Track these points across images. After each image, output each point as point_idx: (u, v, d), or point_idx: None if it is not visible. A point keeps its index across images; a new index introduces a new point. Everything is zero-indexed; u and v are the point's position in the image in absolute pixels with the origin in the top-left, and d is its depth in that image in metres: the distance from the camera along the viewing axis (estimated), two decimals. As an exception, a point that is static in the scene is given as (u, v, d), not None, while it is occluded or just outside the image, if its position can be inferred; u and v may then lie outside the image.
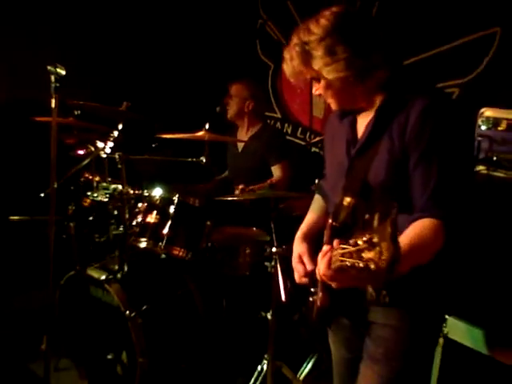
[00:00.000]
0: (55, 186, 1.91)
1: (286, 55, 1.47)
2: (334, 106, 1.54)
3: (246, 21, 4.50)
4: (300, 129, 4.38)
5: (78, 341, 2.67)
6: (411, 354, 1.54)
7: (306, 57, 1.42)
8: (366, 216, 1.10)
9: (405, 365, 1.53)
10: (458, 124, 1.41)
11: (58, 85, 1.90)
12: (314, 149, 4.23)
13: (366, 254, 1.06)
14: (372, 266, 1.04)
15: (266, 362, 2.50)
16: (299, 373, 2.69)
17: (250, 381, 2.55)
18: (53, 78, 1.90)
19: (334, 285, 1.32)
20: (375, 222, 1.07)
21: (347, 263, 1.11)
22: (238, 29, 4.49)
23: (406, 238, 1.32)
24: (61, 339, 2.72)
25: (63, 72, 1.89)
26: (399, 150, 1.39)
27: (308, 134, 4.31)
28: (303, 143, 4.30)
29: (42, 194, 2.43)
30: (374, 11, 3.53)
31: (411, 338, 1.52)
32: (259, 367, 2.53)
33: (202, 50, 4.52)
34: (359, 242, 1.09)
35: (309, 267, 1.59)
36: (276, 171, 3.28)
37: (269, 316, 2.48)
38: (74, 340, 2.71)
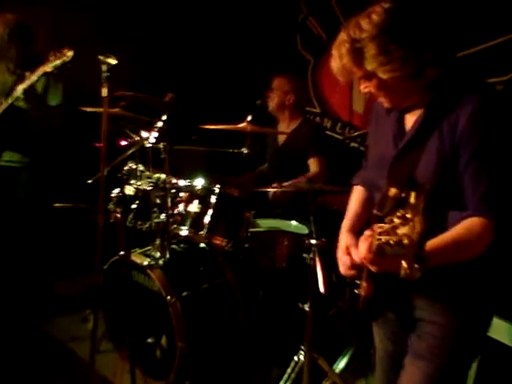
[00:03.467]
0: (105, 173, 1.95)
1: (335, 52, 1.43)
2: (386, 104, 1.52)
3: (288, 15, 4.52)
4: (339, 124, 4.38)
5: (119, 324, 2.75)
6: (456, 352, 1.54)
7: (358, 55, 1.37)
8: (403, 194, 1.15)
9: (448, 362, 1.53)
10: (509, 124, 1.39)
11: (108, 74, 1.95)
12: (352, 144, 4.23)
13: (401, 230, 1.11)
14: (405, 241, 1.09)
15: (302, 352, 2.52)
16: (335, 365, 2.71)
17: (285, 371, 2.57)
18: (104, 67, 1.95)
19: (373, 268, 1.34)
20: (411, 200, 1.11)
21: (383, 240, 1.15)
22: (279, 23, 4.50)
23: (452, 233, 1.36)
24: (103, 322, 2.82)
25: (114, 62, 1.94)
26: (449, 149, 1.39)
27: (347, 129, 4.31)
28: (342, 138, 4.30)
29: (90, 181, 2.52)
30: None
31: (457, 336, 1.52)
32: (295, 358, 2.54)
33: (245, 44, 4.55)
34: (394, 220, 1.14)
35: (356, 259, 1.59)
36: (312, 165, 3.29)
37: (306, 308, 2.50)
38: (115, 323, 2.80)
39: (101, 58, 1.94)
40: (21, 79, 2.97)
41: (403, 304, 1.58)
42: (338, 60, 1.43)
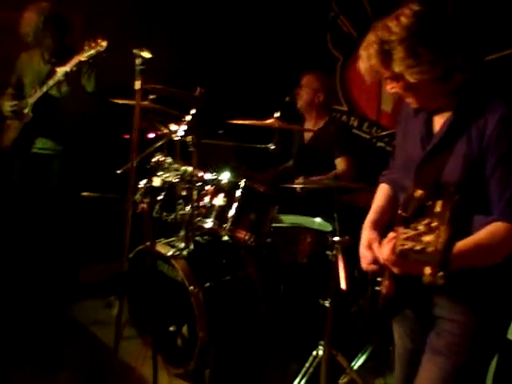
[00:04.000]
0: (135, 164, 2.00)
1: (363, 53, 1.44)
2: (413, 105, 1.54)
3: (318, 13, 4.52)
4: (366, 123, 4.36)
5: (143, 311, 2.81)
6: (474, 350, 1.55)
7: (386, 57, 1.38)
8: (429, 202, 1.17)
9: (467, 360, 1.54)
10: None
11: (142, 68, 1.99)
12: (379, 143, 4.21)
13: (425, 238, 1.14)
14: (429, 249, 1.12)
15: (321, 348, 2.54)
16: (353, 362, 2.72)
17: (303, 365, 2.60)
18: (138, 61, 1.99)
19: (395, 270, 1.37)
20: (437, 208, 1.14)
21: (407, 246, 1.17)
22: (309, 20, 4.51)
23: (475, 237, 1.38)
24: (127, 309, 2.89)
25: (148, 55, 1.97)
26: (476, 154, 1.40)
27: (375, 129, 4.30)
28: (369, 137, 4.29)
29: (119, 171, 2.58)
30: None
31: (476, 335, 1.53)
32: (314, 353, 2.57)
33: (275, 40, 4.57)
34: (419, 227, 1.16)
35: (377, 254, 1.60)
36: (339, 164, 3.30)
37: (327, 304, 2.52)
38: (139, 310, 2.86)
39: (135, 51, 1.98)
40: (55, 67, 3.04)
41: (423, 302, 1.60)
42: (365, 61, 1.44)
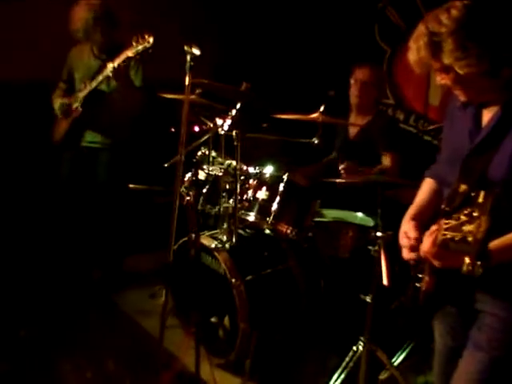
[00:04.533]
0: (183, 158, 2.05)
1: (413, 44, 1.45)
2: (462, 98, 1.53)
3: (366, 4, 4.45)
4: (413, 116, 4.28)
5: (186, 302, 2.88)
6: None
7: (435, 49, 1.39)
8: (472, 194, 1.20)
9: (504, 356, 1.54)
10: None
11: (192, 64, 2.03)
12: (426, 137, 4.13)
13: (466, 227, 1.17)
14: (469, 239, 1.14)
15: (361, 343, 2.54)
16: (394, 359, 2.71)
17: (343, 360, 2.61)
18: (188, 57, 2.03)
19: (436, 263, 1.38)
20: (480, 199, 1.17)
21: (448, 236, 1.20)
22: (357, 12, 4.44)
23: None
24: (171, 299, 2.96)
25: (198, 52, 2.01)
26: None
27: (421, 122, 4.21)
28: (415, 131, 4.21)
29: (166, 165, 2.64)
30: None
31: None
32: (354, 348, 2.57)
33: (321, 33, 4.54)
34: (461, 217, 1.20)
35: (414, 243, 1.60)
36: (385, 160, 3.24)
37: (368, 299, 2.51)
38: (182, 301, 2.94)
39: (186, 47, 2.02)
40: (105, 63, 3.12)
41: (464, 298, 1.59)
42: (415, 52, 1.45)
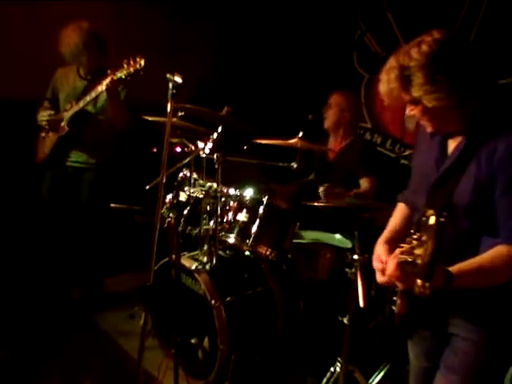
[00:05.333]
0: (163, 180, 2.08)
1: (383, 77, 1.51)
2: (429, 129, 1.60)
3: (345, 31, 4.57)
4: (390, 140, 4.39)
5: (165, 323, 2.89)
6: (487, 368, 1.60)
7: (405, 82, 1.44)
8: (423, 218, 1.25)
9: (480, 376, 1.59)
10: None
11: (174, 92, 2.08)
12: (402, 161, 4.23)
13: (417, 251, 1.24)
14: (418, 261, 1.22)
15: (339, 364, 2.58)
16: (371, 380, 2.74)
17: (320, 381, 2.63)
18: (171, 85, 2.08)
19: (399, 285, 1.45)
20: (429, 223, 1.23)
21: (402, 259, 1.29)
22: (335, 38, 4.57)
23: (479, 258, 1.45)
24: (150, 320, 2.96)
25: (180, 80, 2.06)
26: (485, 177, 1.46)
27: (398, 146, 4.32)
28: (393, 155, 4.32)
29: (148, 187, 2.67)
30: (474, 31, 3.52)
31: (488, 353, 1.58)
32: (332, 369, 2.61)
33: (300, 58, 4.65)
34: (413, 241, 1.28)
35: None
36: (364, 183, 3.31)
37: (345, 321, 2.55)
38: (162, 322, 2.94)
39: (168, 75, 2.06)
40: (92, 85, 3.15)
41: (437, 321, 1.65)
42: (386, 84, 1.51)
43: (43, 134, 3.43)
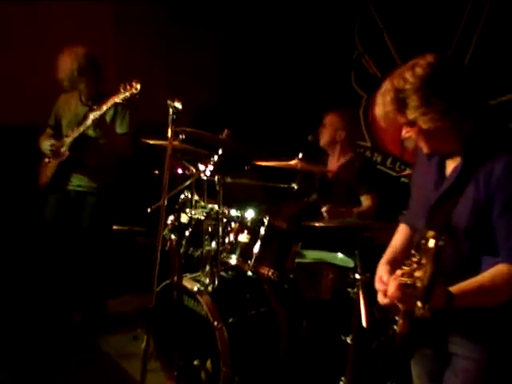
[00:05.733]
0: (165, 203, 2.11)
1: (379, 100, 1.54)
2: (425, 150, 1.62)
3: (342, 52, 4.63)
4: (390, 159, 4.42)
5: (168, 345, 2.88)
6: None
7: (401, 104, 1.47)
8: (423, 241, 1.27)
9: None
10: None
11: (174, 117, 2.12)
12: (403, 179, 4.25)
13: (416, 273, 1.26)
14: (418, 284, 1.23)
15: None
16: (375, 400, 2.73)
17: (325, 401, 2.63)
18: (171, 110, 2.12)
19: (401, 306, 1.44)
20: (428, 246, 1.25)
21: (402, 282, 1.30)
22: (333, 59, 4.62)
23: (480, 277, 1.46)
24: (152, 341, 2.96)
25: (180, 106, 2.11)
26: (484, 198, 1.48)
27: (398, 164, 4.35)
28: (393, 174, 4.34)
29: (149, 210, 2.70)
30: (472, 48, 3.57)
31: (490, 372, 1.58)
32: (336, 388, 2.60)
33: (298, 79, 4.70)
34: (413, 264, 1.30)
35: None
36: (365, 201, 3.34)
37: (348, 340, 2.55)
38: (164, 343, 2.94)
39: (169, 101, 2.11)
40: (92, 109, 3.19)
41: (438, 340, 1.65)
42: (381, 107, 1.54)
43: (46, 160, 3.46)
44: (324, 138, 3.48)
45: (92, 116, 3.17)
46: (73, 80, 3.28)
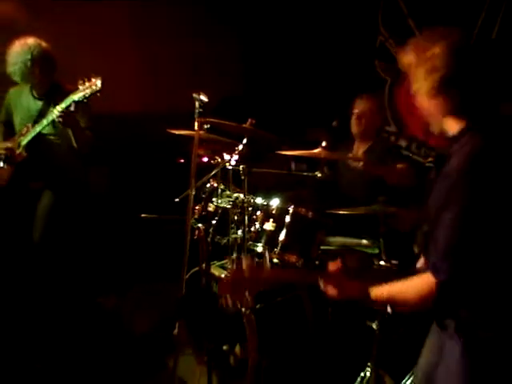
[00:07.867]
0: (193, 192, 2.15)
1: (401, 56, 1.59)
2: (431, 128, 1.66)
3: (367, 37, 4.61)
4: (415, 143, 4.40)
5: (198, 330, 2.96)
6: None
7: (413, 74, 1.53)
8: None
9: None
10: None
11: (201, 110, 2.15)
12: (428, 164, 4.23)
13: None
14: None
15: (369, 369, 2.61)
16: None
17: (351, 386, 2.67)
18: (197, 104, 2.15)
19: None
20: None
21: None
22: (358, 45, 4.60)
23: (399, 283, 1.54)
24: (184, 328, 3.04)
25: (206, 99, 2.14)
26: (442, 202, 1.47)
27: (423, 150, 4.33)
28: (419, 159, 4.32)
29: (177, 199, 2.76)
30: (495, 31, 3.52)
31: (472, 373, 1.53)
32: (362, 374, 2.64)
33: (322, 65, 4.70)
34: None
35: None
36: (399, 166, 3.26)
37: (374, 326, 2.59)
38: (194, 329, 3.02)
39: (195, 95, 2.13)
40: (48, 104, 3.03)
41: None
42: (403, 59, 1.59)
43: (1, 164, 3.23)
44: (359, 125, 3.42)
45: (50, 116, 2.96)
46: (25, 72, 3.03)
